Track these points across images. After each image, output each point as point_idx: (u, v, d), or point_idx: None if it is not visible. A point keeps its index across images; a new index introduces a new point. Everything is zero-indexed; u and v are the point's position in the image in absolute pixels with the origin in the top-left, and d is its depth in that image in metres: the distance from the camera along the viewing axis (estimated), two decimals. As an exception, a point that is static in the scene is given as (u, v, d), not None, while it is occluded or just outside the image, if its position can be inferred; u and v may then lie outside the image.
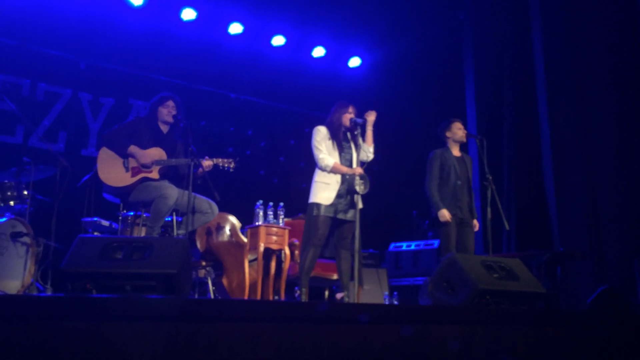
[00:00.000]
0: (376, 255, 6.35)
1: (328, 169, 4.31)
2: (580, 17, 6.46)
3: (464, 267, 3.15)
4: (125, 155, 4.30)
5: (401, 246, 6.67)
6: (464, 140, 5.05)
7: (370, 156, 4.49)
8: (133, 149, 4.30)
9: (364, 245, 5.30)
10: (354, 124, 4.37)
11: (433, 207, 4.83)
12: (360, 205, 4.24)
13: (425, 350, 2.40)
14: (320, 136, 4.38)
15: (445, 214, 4.71)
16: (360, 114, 4.48)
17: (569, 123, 6.39)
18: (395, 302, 5.57)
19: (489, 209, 4.75)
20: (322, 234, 4.24)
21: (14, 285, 3.99)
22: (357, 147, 4.41)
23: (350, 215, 4.31)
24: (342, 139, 4.46)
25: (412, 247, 6.56)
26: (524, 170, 6.81)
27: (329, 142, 4.38)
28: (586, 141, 6.27)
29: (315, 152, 4.37)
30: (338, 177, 4.32)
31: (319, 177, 4.35)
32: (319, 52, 7.90)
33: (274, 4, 7.14)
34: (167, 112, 4.48)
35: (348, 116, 4.43)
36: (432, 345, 2.41)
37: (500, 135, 7.08)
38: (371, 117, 4.44)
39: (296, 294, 4.61)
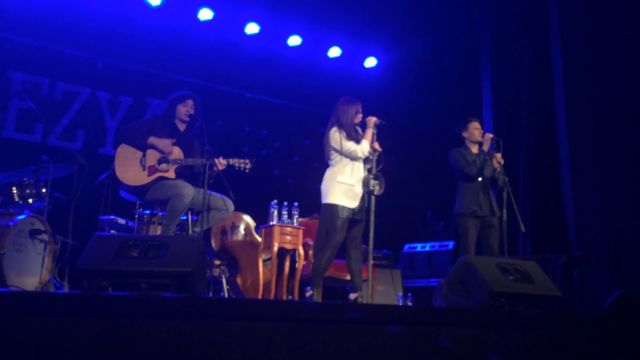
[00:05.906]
0: (390, 256, 6.33)
1: (366, 151, 4.32)
2: (600, 18, 6.38)
3: (479, 269, 3.13)
4: (145, 147, 4.29)
5: (416, 247, 6.64)
6: (481, 140, 5.01)
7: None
8: (152, 139, 4.31)
9: (378, 245, 5.30)
10: (379, 126, 4.41)
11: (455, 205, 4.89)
12: (372, 206, 4.23)
13: (439, 351, 2.39)
14: (341, 135, 4.35)
15: (487, 136, 4.93)
16: (373, 114, 4.47)
17: (587, 124, 6.31)
18: (409, 304, 5.55)
19: (504, 211, 4.73)
20: (342, 235, 4.24)
21: (31, 282, 4.04)
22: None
23: (361, 215, 4.29)
24: (355, 137, 4.45)
25: (427, 248, 6.53)
26: (541, 172, 6.74)
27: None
28: (604, 143, 6.19)
29: (345, 148, 4.30)
30: (360, 177, 4.31)
31: (340, 177, 4.30)
32: (334, 52, 7.89)
33: (291, 4, 7.15)
34: (185, 110, 4.48)
35: (360, 116, 4.44)
36: (445, 346, 2.40)
37: (517, 136, 7.01)
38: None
39: (307, 294, 4.61)
